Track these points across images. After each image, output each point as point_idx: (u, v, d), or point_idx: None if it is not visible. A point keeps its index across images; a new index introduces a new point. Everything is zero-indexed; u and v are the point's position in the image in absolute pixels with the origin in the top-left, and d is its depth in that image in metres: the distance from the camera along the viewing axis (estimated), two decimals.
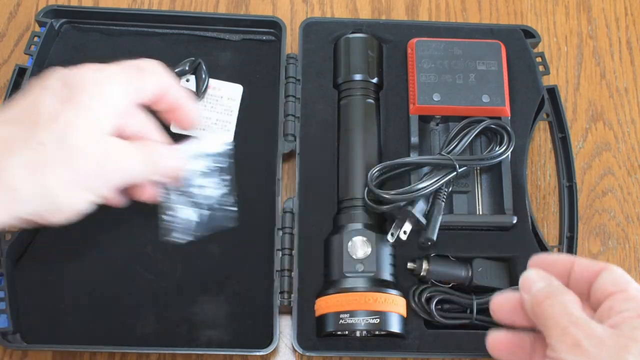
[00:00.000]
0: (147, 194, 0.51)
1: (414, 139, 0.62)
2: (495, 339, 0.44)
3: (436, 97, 0.62)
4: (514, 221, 0.60)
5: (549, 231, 0.65)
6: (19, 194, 0.42)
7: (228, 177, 0.53)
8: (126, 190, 0.50)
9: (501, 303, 0.45)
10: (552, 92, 0.67)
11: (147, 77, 0.48)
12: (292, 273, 0.60)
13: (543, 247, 0.61)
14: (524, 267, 0.45)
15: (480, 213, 0.62)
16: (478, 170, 0.63)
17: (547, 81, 0.68)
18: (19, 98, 0.45)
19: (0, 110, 0.44)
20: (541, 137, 0.68)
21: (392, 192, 0.56)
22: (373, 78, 0.64)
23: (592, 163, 0.68)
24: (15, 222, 0.43)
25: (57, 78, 0.45)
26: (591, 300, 0.42)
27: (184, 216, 0.53)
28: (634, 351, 0.37)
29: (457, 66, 0.63)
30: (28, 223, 0.44)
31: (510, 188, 0.61)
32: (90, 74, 0.46)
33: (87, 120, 0.44)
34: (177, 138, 0.53)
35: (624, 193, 0.67)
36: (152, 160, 0.48)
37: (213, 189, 0.53)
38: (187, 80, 0.65)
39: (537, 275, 0.43)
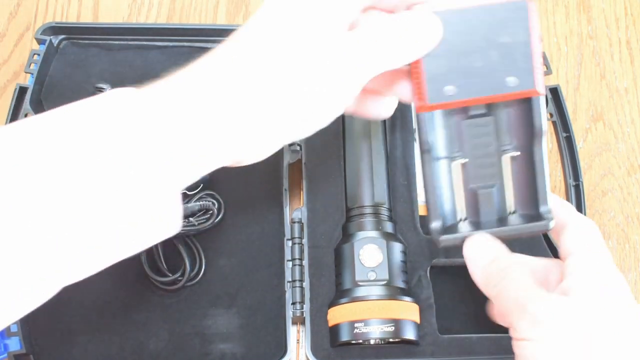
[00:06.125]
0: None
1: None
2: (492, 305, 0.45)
3: (450, 90, 0.44)
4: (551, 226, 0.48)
5: None
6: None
7: None
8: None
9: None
10: (555, 91, 0.67)
11: None
12: (304, 283, 0.59)
13: (552, 247, 0.61)
14: None
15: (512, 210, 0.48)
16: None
17: (548, 81, 0.69)
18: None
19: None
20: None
21: None
22: None
23: (592, 163, 0.68)
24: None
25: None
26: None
27: None
28: (584, 317, 0.38)
29: (474, 43, 0.44)
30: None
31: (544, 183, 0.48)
32: None
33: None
34: None
35: (624, 193, 0.67)
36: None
37: None
38: None
39: (483, 244, 0.43)
